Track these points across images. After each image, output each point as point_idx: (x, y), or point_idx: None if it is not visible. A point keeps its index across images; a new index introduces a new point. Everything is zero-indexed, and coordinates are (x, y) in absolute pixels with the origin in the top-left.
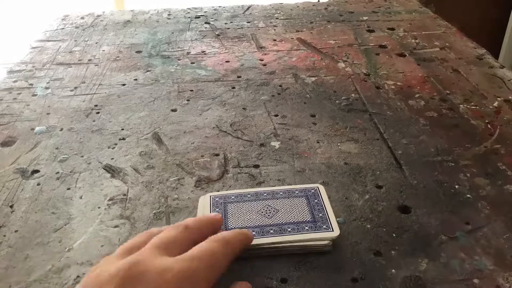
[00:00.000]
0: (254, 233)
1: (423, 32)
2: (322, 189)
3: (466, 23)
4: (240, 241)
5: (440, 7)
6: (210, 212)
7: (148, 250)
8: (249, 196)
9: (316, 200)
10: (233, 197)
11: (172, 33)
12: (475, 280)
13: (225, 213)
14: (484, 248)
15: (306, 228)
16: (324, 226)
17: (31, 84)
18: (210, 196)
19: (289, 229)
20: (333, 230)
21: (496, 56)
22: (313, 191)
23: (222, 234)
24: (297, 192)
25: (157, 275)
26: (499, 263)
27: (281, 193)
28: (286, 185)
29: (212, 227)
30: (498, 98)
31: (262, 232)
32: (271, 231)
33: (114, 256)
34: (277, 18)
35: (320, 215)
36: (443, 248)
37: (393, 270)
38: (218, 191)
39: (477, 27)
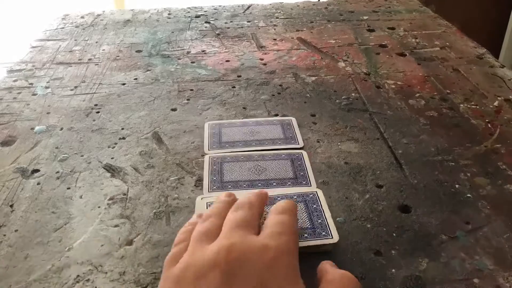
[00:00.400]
0: None
1: (423, 32)
2: (320, 193)
3: (466, 22)
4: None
5: (441, 7)
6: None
7: (232, 231)
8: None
9: (314, 206)
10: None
11: (172, 32)
12: (475, 280)
13: None
14: (484, 248)
15: (305, 235)
16: (324, 233)
17: (31, 84)
18: (202, 197)
19: None
20: (332, 237)
21: (496, 55)
22: (311, 195)
23: (279, 205)
24: (295, 197)
25: (258, 255)
26: (499, 263)
27: (278, 199)
28: (284, 187)
29: (263, 201)
30: (498, 98)
31: None
32: None
33: (194, 243)
34: (277, 18)
35: (319, 221)
36: (443, 247)
37: (393, 270)
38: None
39: (478, 27)
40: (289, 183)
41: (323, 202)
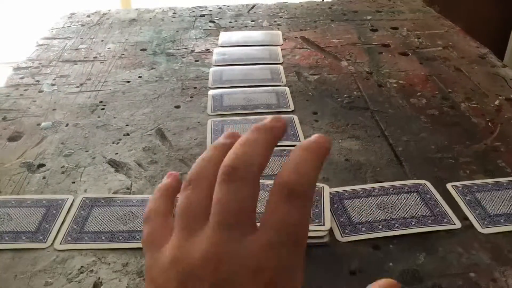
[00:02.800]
0: None
1: (426, 32)
2: (326, 188)
3: (471, 23)
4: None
5: (445, 7)
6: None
7: (223, 230)
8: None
9: (317, 197)
10: None
11: (177, 31)
12: (472, 274)
13: None
14: (481, 243)
15: None
16: (317, 220)
17: (38, 81)
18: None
19: None
20: (324, 225)
21: (501, 56)
22: (316, 189)
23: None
24: None
25: (250, 277)
26: (495, 258)
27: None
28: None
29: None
30: (499, 97)
31: None
32: None
33: (179, 229)
34: (281, 17)
35: (316, 210)
36: (440, 242)
37: (391, 264)
38: None
39: (483, 27)
40: None
41: (326, 196)
